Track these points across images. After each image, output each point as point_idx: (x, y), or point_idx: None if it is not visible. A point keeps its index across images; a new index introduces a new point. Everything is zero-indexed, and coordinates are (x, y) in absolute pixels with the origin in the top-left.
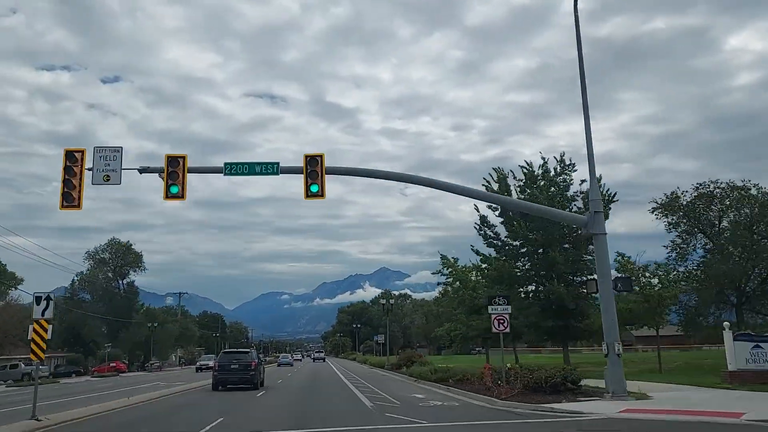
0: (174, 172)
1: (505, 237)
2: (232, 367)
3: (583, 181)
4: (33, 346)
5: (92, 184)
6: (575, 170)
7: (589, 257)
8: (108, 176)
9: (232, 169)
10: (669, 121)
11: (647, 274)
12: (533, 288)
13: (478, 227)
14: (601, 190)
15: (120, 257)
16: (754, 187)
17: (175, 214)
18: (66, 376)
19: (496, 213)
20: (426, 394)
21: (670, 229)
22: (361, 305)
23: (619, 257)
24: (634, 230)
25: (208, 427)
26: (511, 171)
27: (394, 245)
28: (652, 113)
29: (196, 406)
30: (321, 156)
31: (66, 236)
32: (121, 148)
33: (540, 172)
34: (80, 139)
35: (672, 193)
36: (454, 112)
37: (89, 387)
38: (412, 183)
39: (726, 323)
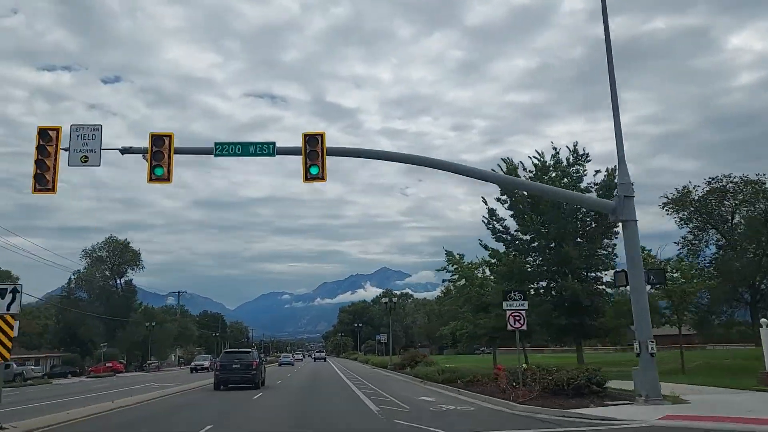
0: (159, 152)
1: (515, 231)
2: (234, 366)
3: (597, 171)
4: None
5: (69, 165)
6: (589, 160)
7: (603, 251)
8: (86, 157)
9: (223, 149)
10: (669, 121)
11: (669, 269)
12: (544, 284)
13: (486, 221)
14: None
15: (118, 255)
16: None
17: (175, 215)
18: (61, 377)
19: (506, 206)
20: (435, 396)
21: (681, 225)
22: (363, 305)
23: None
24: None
25: None
26: (520, 162)
27: (394, 245)
28: (652, 113)
29: (185, 411)
30: (321, 135)
31: (66, 236)
32: (101, 126)
33: (552, 162)
34: None
35: (683, 188)
36: (454, 112)
37: (80, 388)
38: (419, 164)
39: (764, 320)
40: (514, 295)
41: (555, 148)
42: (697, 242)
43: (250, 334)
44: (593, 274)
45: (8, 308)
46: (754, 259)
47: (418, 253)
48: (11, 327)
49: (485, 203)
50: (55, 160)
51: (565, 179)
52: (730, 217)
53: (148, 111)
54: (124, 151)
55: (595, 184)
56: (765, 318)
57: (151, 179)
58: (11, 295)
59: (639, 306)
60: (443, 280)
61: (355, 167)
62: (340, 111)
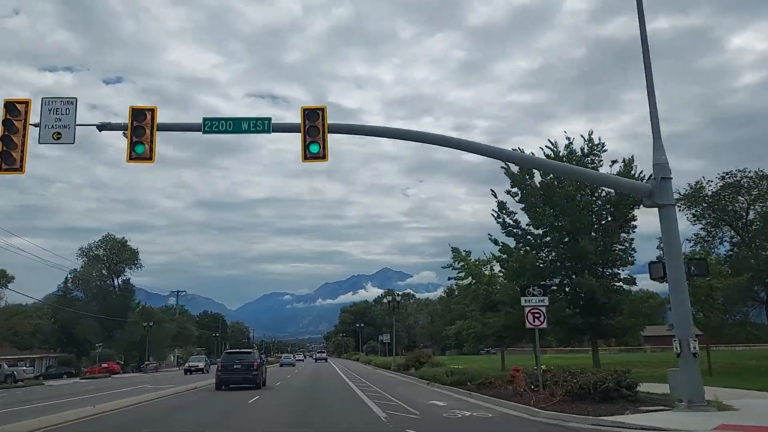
0: (140, 128)
1: (527, 225)
2: (235, 367)
3: (614, 161)
4: None
5: (39, 143)
6: (605, 150)
7: (620, 246)
8: (59, 134)
9: (213, 125)
10: (672, 121)
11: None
12: (558, 281)
13: (495, 214)
14: (635, 172)
15: (115, 254)
16: None
17: (176, 215)
18: (56, 378)
19: (516, 199)
20: (446, 400)
21: (694, 221)
22: (364, 305)
23: (662, 243)
24: (637, 230)
25: None
26: (531, 153)
27: (395, 246)
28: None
29: (173, 417)
30: (322, 109)
31: (67, 237)
32: (76, 99)
33: (565, 153)
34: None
35: (696, 183)
36: (456, 112)
37: (69, 390)
38: (427, 142)
39: None
40: (534, 290)
41: (568, 138)
42: (710, 239)
43: (251, 335)
44: (610, 271)
45: None
46: None
47: (419, 253)
48: None
49: (495, 196)
50: (24, 136)
51: None
52: (744, 214)
53: None
54: (102, 127)
55: (612, 174)
56: None
57: (131, 158)
58: None
59: (679, 300)
60: (449, 278)
61: (356, 167)
62: (341, 111)
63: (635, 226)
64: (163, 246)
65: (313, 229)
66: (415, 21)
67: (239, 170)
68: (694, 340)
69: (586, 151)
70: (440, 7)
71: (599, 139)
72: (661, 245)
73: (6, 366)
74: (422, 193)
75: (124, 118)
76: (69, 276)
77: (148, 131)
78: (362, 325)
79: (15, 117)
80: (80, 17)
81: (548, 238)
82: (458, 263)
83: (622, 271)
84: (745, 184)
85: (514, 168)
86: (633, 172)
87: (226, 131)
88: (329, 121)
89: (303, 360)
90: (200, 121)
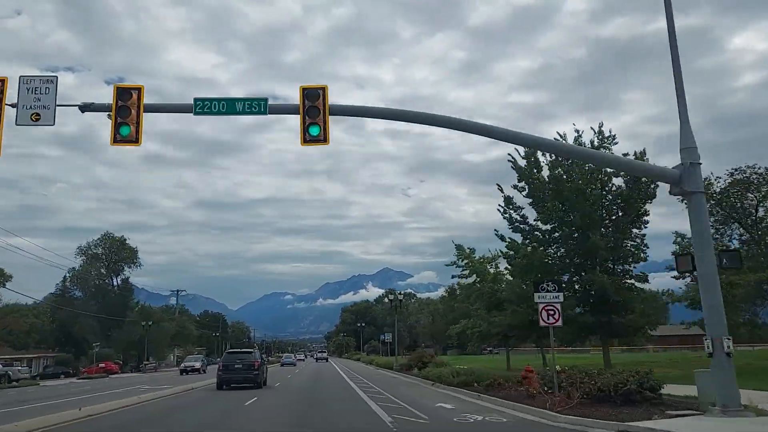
0: (125, 108)
1: (535, 220)
2: (236, 366)
3: (625, 154)
4: None
5: (17, 124)
6: (615, 143)
7: (632, 242)
8: (38, 115)
9: (204, 106)
10: (672, 121)
11: None
12: (567, 278)
13: (502, 209)
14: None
15: (114, 252)
16: None
17: (177, 215)
18: (53, 378)
19: (523, 193)
20: (454, 402)
21: None
22: (365, 304)
23: (678, 238)
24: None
25: None
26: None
27: (396, 246)
28: (655, 113)
29: (172, 417)
30: (323, 88)
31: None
32: (56, 77)
33: (575, 145)
34: (83, 140)
35: (705, 179)
36: (457, 112)
37: (64, 391)
38: (434, 125)
39: None
40: (548, 285)
41: (577, 131)
42: (719, 237)
43: (251, 335)
44: (621, 267)
45: None
46: None
47: (419, 253)
48: None
49: (501, 190)
50: None
51: (589, 164)
52: (753, 211)
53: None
54: (85, 108)
55: (637, 160)
56: None
57: (115, 140)
58: None
59: (710, 295)
60: (453, 276)
61: (357, 167)
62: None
63: (647, 222)
64: (164, 246)
65: (313, 229)
66: (416, 21)
67: (239, 170)
68: (728, 339)
69: (596, 143)
70: (441, 7)
71: (610, 132)
72: (678, 239)
73: (1, 366)
74: (423, 193)
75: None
76: (67, 275)
77: (133, 111)
78: (363, 324)
79: None
80: (81, 17)
81: (557, 234)
82: (462, 261)
83: (634, 267)
84: (755, 181)
85: (521, 161)
86: (646, 162)
87: (218, 112)
88: (330, 124)
89: (304, 360)
90: (204, 130)
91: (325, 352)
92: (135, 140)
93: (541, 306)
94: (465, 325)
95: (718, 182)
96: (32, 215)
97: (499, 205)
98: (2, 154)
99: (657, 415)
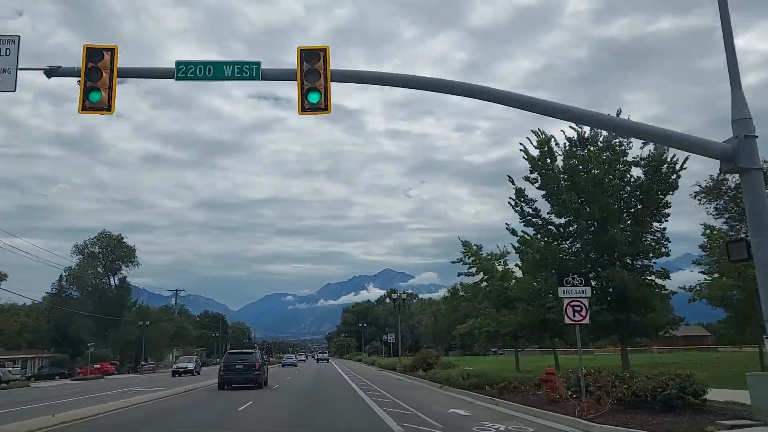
0: (95, 70)
1: (548, 213)
2: (237, 367)
3: (644, 143)
4: None
5: None
6: None
7: (651, 236)
8: None
9: (188, 70)
10: (674, 121)
11: None
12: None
13: (513, 202)
14: (667, 155)
15: (111, 251)
16: None
17: (178, 216)
18: (48, 379)
19: (536, 185)
20: (468, 408)
21: (716, 215)
22: (367, 305)
23: (708, 230)
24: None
25: None
26: (552, 136)
27: (397, 247)
28: (657, 114)
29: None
30: (324, 49)
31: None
32: (18, 37)
33: (591, 134)
34: (85, 141)
35: (718, 174)
36: (458, 113)
37: (55, 392)
38: (441, 92)
39: None
40: (573, 279)
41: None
42: (734, 234)
43: (252, 335)
44: (640, 263)
45: None
46: None
47: (420, 254)
48: None
49: (512, 182)
50: None
51: (607, 153)
52: None
53: (153, 112)
54: (51, 72)
55: (642, 158)
56: None
57: (84, 108)
58: None
59: None
60: (459, 273)
61: (358, 167)
62: (344, 112)
63: (668, 215)
64: (165, 246)
65: (314, 229)
66: (417, 21)
67: (240, 170)
68: None
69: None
70: (442, 8)
71: (629, 118)
72: (707, 231)
73: None
74: (424, 193)
75: (128, 119)
76: (63, 274)
77: (105, 75)
78: (365, 325)
79: None
80: (81, 17)
81: (572, 228)
82: (469, 258)
83: (654, 263)
84: None
85: (534, 151)
86: (665, 155)
87: (204, 77)
88: (331, 125)
89: (305, 360)
90: (205, 131)
91: (325, 352)
92: (107, 107)
93: (566, 302)
94: (472, 325)
95: (734, 177)
96: (32, 216)
97: (510, 197)
98: (2, 155)
99: (711, 425)
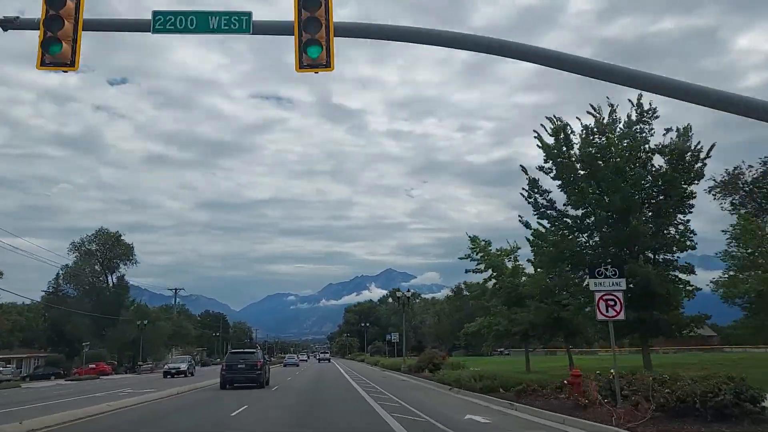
0: (56, 18)
1: (564, 204)
2: (239, 366)
3: (668, 129)
4: None
5: None
6: (657, 117)
7: (675, 229)
8: None
9: (167, 22)
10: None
11: None
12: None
13: (526, 194)
14: (691, 143)
15: (109, 249)
16: None
17: (180, 216)
18: (43, 379)
19: (551, 175)
20: (485, 414)
21: (732, 210)
22: (369, 304)
23: (742, 220)
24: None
25: None
26: (568, 123)
27: (399, 247)
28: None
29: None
30: None
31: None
32: None
33: (610, 120)
34: (86, 141)
35: (735, 169)
36: (460, 113)
37: (46, 393)
38: (454, 47)
39: None
40: (606, 270)
41: (611, 105)
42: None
43: (253, 335)
44: (663, 257)
45: None
46: None
47: (423, 254)
48: None
49: (525, 172)
50: None
51: (627, 141)
52: None
53: (154, 113)
54: (6, 23)
55: (665, 146)
56: None
57: (42, 63)
58: None
59: None
60: (466, 270)
61: (360, 168)
62: (345, 112)
63: (692, 206)
64: (168, 246)
65: (317, 230)
66: (419, 22)
67: (242, 171)
68: None
69: (634, 118)
70: (444, 8)
71: (650, 104)
72: (740, 221)
73: None
74: (426, 194)
75: (129, 120)
76: (60, 272)
77: (68, 24)
78: (367, 325)
79: None
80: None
81: (590, 220)
82: (477, 254)
83: (678, 257)
84: None
85: (549, 138)
86: (689, 143)
87: (186, 30)
88: (333, 125)
89: (307, 360)
90: (206, 131)
91: (327, 352)
92: (70, 63)
93: (598, 296)
94: (481, 323)
95: (750, 172)
96: (35, 216)
97: (523, 188)
98: (3, 155)
99: None
